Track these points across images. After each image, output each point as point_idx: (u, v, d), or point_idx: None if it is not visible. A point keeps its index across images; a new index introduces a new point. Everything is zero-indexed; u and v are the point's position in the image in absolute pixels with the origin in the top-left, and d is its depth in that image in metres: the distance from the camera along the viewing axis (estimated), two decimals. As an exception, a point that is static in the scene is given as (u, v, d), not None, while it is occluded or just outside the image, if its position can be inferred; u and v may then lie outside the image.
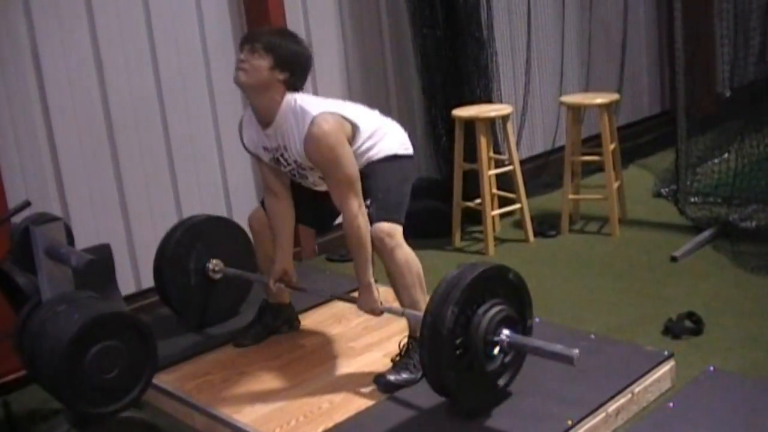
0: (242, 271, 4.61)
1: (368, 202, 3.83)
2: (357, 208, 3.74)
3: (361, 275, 3.85)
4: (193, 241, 4.55)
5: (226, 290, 4.69)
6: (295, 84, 3.81)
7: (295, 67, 3.78)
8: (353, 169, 3.76)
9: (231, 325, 4.64)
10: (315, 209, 4.22)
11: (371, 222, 3.82)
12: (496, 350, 3.36)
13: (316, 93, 3.97)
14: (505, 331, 3.36)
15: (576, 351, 3.21)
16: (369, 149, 3.90)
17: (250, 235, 4.45)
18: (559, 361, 3.31)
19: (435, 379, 3.36)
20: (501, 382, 3.51)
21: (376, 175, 3.89)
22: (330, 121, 3.71)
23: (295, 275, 4.26)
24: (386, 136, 3.98)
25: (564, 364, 3.28)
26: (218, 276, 4.59)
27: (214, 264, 4.58)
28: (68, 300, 3.08)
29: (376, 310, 3.90)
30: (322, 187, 3.98)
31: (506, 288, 3.49)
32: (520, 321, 3.49)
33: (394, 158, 3.96)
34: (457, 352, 3.30)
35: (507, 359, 3.45)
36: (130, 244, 5.12)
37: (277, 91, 3.76)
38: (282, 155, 3.88)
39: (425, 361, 3.34)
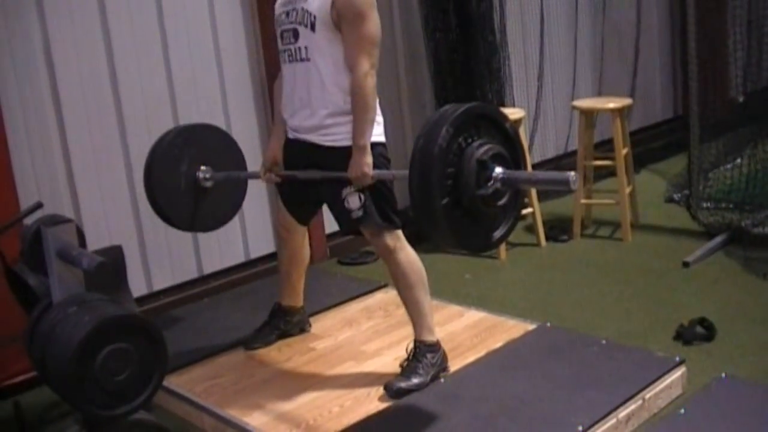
0: (232, 172, 4.44)
1: (363, 200, 3.78)
2: (368, 68, 3.65)
3: (358, 137, 3.69)
4: (187, 144, 4.33)
5: (217, 198, 4.46)
6: None
7: None
8: (377, 29, 3.67)
9: (241, 329, 4.63)
10: (302, 201, 4.15)
11: (369, 221, 3.79)
12: (489, 183, 3.10)
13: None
14: (499, 168, 3.10)
15: (571, 173, 2.96)
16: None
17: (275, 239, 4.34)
18: (556, 188, 3.15)
19: (425, 207, 3.08)
20: (496, 234, 3.29)
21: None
22: None
23: (282, 169, 4.11)
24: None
25: (561, 189, 3.10)
26: (209, 184, 4.36)
27: (205, 170, 4.34)
28: (79, 302, 3.08)
29: (366, 175, 3.69)
30: (295, 65, 3.83)
31: (501, 134, 3.26)
32: (513, 167, 3.21)
33: (376, 146, 3.81)
34: (448, 182, 3.06)
35: (501, 201, 3.16)
36: (141, 246, 5.13)
37: None
38: (294, 7, 3.77)
39: (415, 186, 3.07)
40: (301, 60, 3.81)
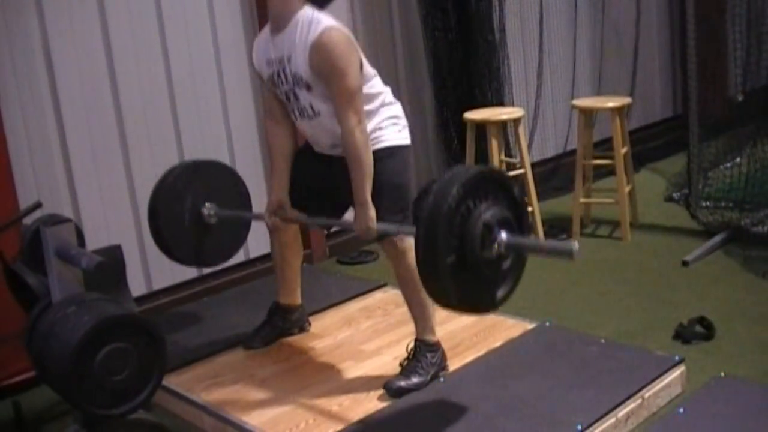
0: (237, 212, 4.46)
1: (376, 200, 3.78)
2: (356, 123, 3.64)
3: (359, 193, 3.71)
4: (191, 181, 4.34)
5: (221, 235, 4.47)
6: (318, 2, 3.77)
7: None
8: (357, 82, 3.67)
9: (241, 328, 4.63)
10: (326, 202, 4.12)
11: (384, 235, 3.80)
12: (494, 247, 3.14)
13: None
14: (504, 233, 3.15)
15: (575, 243, 3.05)
16: (375, 128, 3.83)
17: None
18: (559, 257, 3.19)
19: (431, 264, 3.12)
20: (499, 293, 3.32)
21: (378, 171, 3.77)
22: (341, 34, 3.67)
23: (290, 207, 4.11)
24: (385, 110, 3.90)
25: (564, 259, 3.15)
26: (213, 220, 4.37)
27: (209, 208, 4.35)
28: (78, 302, 3.08)
29: (370, 231, 3.74)
30: (308, 121, 3.88)
31: (507, 198, 3.28)
32: (517, 232, 3.26)
33: (394, 150, 3.87)
34: (454, 241, 3.09)
35: (505, 264, 3.24)
36: (141, 246, 5.13)
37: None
38: (283, 69, 3.79)
39: (422, 243, 3.12)
40: (311, 117, 3.86)
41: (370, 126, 3.79)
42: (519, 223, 3.28)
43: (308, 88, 3.75)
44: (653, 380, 3.69)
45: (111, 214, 5.00)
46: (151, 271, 5.20)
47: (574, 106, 6.16)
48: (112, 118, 4.98)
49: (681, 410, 3.52)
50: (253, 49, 4.06)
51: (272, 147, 4.10)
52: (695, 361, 3.96)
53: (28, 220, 3.76)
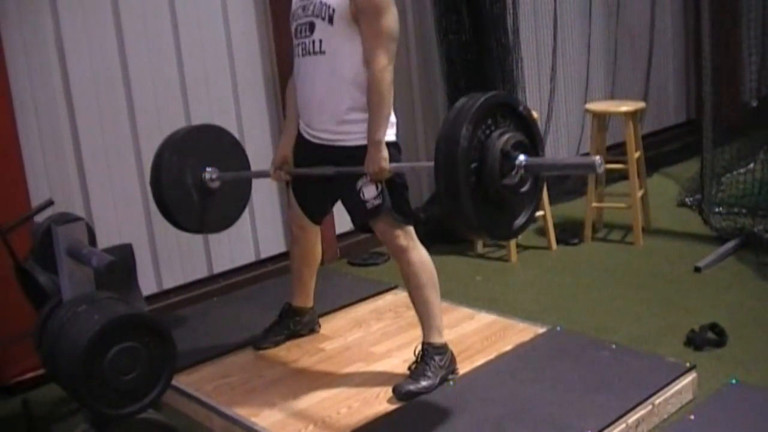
0: (240, 172, 4.44)
1: (380, 188, 3.77)
2: (386, 63, 3.64)
3: (374, 131, 3.69)
4: (183, 158, 4.29)
5: (223, 199, 4.44)
6: None
7: None
8: (395, 26, 3.67)
9: (251, 329, 4.63)
10: (316, 198, 4.15)
11: (385, 212, 3.77)
12: (513, 171, 3.11)
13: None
14: (522, 156, 3.12)
15: (598, 157, 3.02)
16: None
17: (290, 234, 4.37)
18: (581, 172, 3.15)
19: (453, 206, 3.11)
20: (517, 222, 3.30)
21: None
22: None
23: (292, 166, 4.11)
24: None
25: (587, 173, 3.10)
26: (216, 184, 4.34)
27: (210, 172, 4.32)
28: (88, 300, 3.08)
29: (383, 168, 3.69)
30: (310, 58, 3.82)
31: (516, 119, 3.27)
32: (533, 152, 3.26)
33: (390, 145, 3.80)
34: (473, 178, 3.08)
35: (524, 188, 3.20)
36: (152, 244, 5.13)
37: None
38: (312, 1, 3.75)
39: (441, 189, 3.11)
40: (315, 53, 3.79)
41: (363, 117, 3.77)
42: (532, 140, 3.27)
43: (330, 19, 3.71)
44: (664, 386, 3.67)
45: (122, 213, 5.00)
46: (162, 270, 5.20)
47: (587, 110, 6.15)
48: (124, 116, 4.98)
49: (692, 417, 3.51)
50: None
51: (289, 99, 4.08)
52: (707, 368, 3.95)
53: (39, 218, 3.77)
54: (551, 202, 6.05)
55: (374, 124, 3.68)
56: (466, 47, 6.15)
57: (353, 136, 3.78)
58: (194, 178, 4.30)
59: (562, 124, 7.37)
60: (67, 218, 3.50)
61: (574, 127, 7.41)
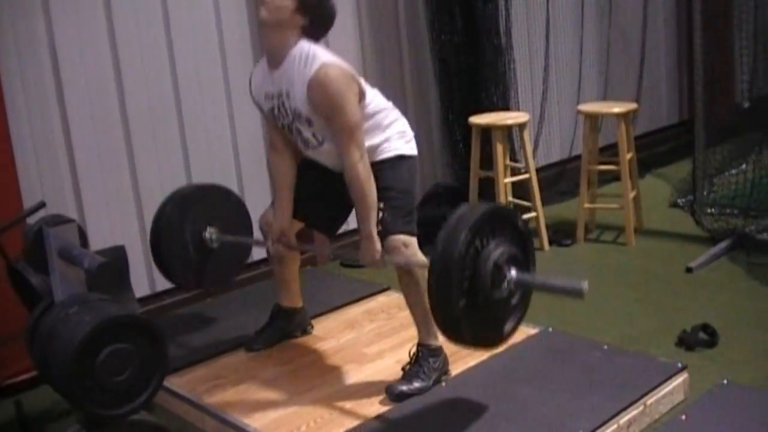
0: (239, 237, 4.50)
1: (381, 205, 3.80)
2: (358, 158, 3.68)
3: (363, 226, 3.76)
4: (185, 214, 4.39)
5: (221, 258, 4.52)
6: (313, 34, 3.77)
7: (316, 15, 3.74)
8: (356, 117, 3.69)
9: (243, 330, 4.63)
10: (326, 210, 4.19)
11: (387, 231, 3.79)
12: (504, 285, 3.23)
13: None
14: (513, 269, 3.25)
15: (585, 282, 3.09)
16: (378, 144, 3.87)
17: (259, 233, 4.41)
18: (568, 295, 3.23)
19: (443, 309, 3.21)
20: (507, 327, 3.40)
21: (387, 177, 3.85)
22: (337, 69, 3.66)
23: (294, 238, 4.19)
24: (393, 126, 3.93)
25: (574, 297, 3.19)
26: (215, 245, 4.43)
27: (211, 232, 4.41)
28: (80, 302, 3.08)
29: (377, 261, 3.79)
30: (315, 151, 3.92)
31: (513, 232, 3.36)
32: (525, 266, 3.37)
33: (402, 159, 3.91)
34: (465, 284, 3.17)
35: (514, 300, 3.34)
36: (144, 246, 5.12)
37: (293, 33, 3.71)
38: (282, 104, 3.81)
39: (435, 289, 3.20)
40: (316, 146, 3.90)
41: (378, 140, 3.85)
42: (525, 255, 3.38)
43: (309, 122, 3.78)
44: (656, 387, 3.68)
45: (115, 215, 5.00)
46: (155, 272, 5.17)
47: (579, 111, 6.16)
48: (117, 118, 4.98)
49: (683, 417, 3.52)
50: (250, 80, 4.07)
51: (275, 177, 4.13)
52: (698, 368, 3.95)
53: (31, 220, 3.77)
54: (544, 203, 6.06)
55: (361, 217, 3.76)
56: (458, 48, 6.16)
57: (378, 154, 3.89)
58: (194, 235, 4.40)
59: (555, 126, 7.37)
60: (58, 220, 3.50)
61: (567, 128, 7.41)
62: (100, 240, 4.52)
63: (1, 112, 4.31)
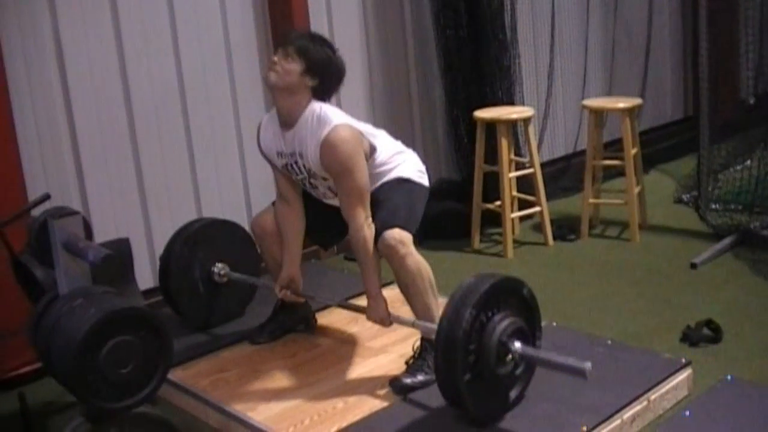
0: (248, 276, 4.62)
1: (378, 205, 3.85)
2: (363, 220, 3.77)
3: (369, 286, 3.88)
4: (195, 250, 4.53)
5: (231, 292, 4.70)
6: (324, 93, 3.84)
7: (325, 76, 3.82)
8: (365, 181, 3.77)
9: (246, 323, 4.63)
10: (322, 226, 4.23)
11: (379, 228, 3.80)
12: (509, 358, 3.34)
13: (338, 93, 3.99)
14: (517, 343, 3.34)
15: (588, 364, 3.19)
16: (383, 173, 3.94)
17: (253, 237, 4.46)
18: (570, 374, 3.30)
19: (448, 384, 3.34)
20: (512, 394, 3.50)
21: (386, 192, 3.91)
22: (348, 131, 3.74)
23: (301, 283, 4.26)
24: (403, 163, 4.02)
25: (576, 377, 3.26)
26: (224, 280, 4.60)
27: (220, 268, 4.58)
28: (84, 294, 3.08)
29: (385, 321, 3.92)
30: (332, 200, 4.01)
31: (519, 302, 3.47)
32: (530, 336, 3.46)
33: (406, 181, 3.97)
34: (470, 357, 3.28)
35: (518, 371, 3.45)
36: (149, 239, 5.13)
37: (304, 96, 3.78)
38: (296, 162, 3.89)
39: (440, 364, 3.32)
40: (332, 198, 4.01)
41: (393, 175, 3.95)
42: (531, 325, 3.49)
43: (324, 179, 3.88)
44: (659, 382, 3.68)
45: (119, 208, 5.00)
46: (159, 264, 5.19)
47: (584, 107, 6.15)
48: (122, 110, 4.98)
49: (687, 413, 3.52)
50: (258, 132, 4.13)
51: (283, 227, 4.18)
52: (702, 364, 3.95)
53: (36, 212, 3.77)
54: (548, 198, 6.05)
55: (367, 280, 3.90)
56: (463, 43, 6.15)
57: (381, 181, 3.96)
58: (203, 271, 4.56)
59: (559, 121, 7.36)
60: (63, 212, 3.50)
61: (572, 123, 7.40)
62: (104, 232, 4.52)
63: (5, 104, 4.32)
